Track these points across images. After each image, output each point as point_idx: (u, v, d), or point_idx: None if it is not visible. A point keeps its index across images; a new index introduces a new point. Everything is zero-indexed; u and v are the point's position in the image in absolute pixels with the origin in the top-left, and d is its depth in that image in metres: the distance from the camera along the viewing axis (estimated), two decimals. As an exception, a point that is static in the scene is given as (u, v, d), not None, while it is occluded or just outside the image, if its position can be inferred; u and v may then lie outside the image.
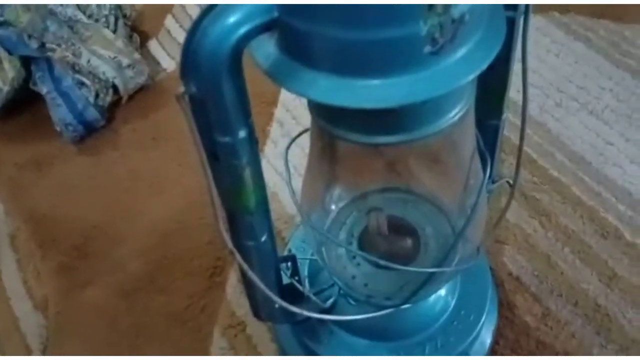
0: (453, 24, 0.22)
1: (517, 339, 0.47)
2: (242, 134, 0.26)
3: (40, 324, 0.53)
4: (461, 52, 0.23)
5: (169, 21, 0.82)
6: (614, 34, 0.70)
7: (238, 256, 0.32)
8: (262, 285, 0.34)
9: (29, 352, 0.52)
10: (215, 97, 0.24)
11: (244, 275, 0.36)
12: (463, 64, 0.24)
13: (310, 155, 0.36)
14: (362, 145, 0.28)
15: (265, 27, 0.23)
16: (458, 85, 0.24)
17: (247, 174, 0.28)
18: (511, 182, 0.38)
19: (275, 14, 0.22)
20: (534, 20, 0.74)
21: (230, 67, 0.23)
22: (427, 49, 0.22)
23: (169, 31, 0.80)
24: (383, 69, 0.22)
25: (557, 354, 0.46)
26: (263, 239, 0.33)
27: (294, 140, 0.37)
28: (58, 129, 0.66)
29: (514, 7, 0.29)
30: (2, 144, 0.68)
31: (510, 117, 0.41)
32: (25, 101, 0.70)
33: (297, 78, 0.24)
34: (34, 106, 0.69)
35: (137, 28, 0.79)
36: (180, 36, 0.79)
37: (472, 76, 0.24)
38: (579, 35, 0.71)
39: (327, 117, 0.28)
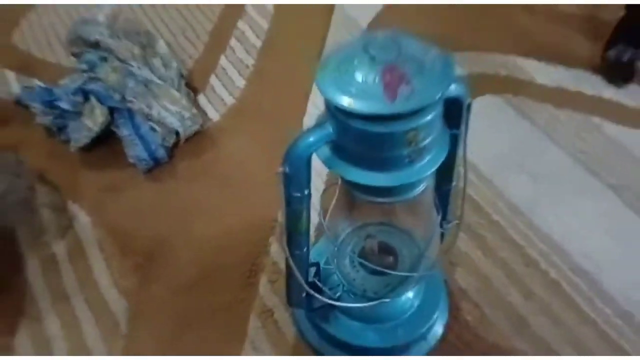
0: (421, 149, 0.45)
1: (460, 331, 0.69)
2: (306, 191, 0.49)
3: (124, 306, 0.74)
4: (425, 159, 0.46)
5: (213, 80, 1.04)
6: (552, 117, 0.94)
7: (290, 260, 0.54)
8: (300, 279, 0.56)
9: (117, 326, 0.72)
10: (298, 174, 0.47)
11: (289, 273, 0.58)
12: (426, 165, 0.46)
13: (336, 200, 0.58)
14: (369, 201, 0.50)
15: (327, 142, 0.46)
16: (424, 176, 0.46)
17: (304, 213, 0.51)
18: (458, 222, 0.61)
19: (334, 138, 0.45)
20: (492, 99, 0.97)
21: (307, 160, 0.46)
22: (406, 160, 0.45)
23: (213, 88, 1.03)
24: (384, 168, 0.45)
25: (488, 345, 0.68)
26: (305, 250, 0.55)
27: (326, 189, 0.60)
28: (131, 161, 0.88)
29: (457, 127, 0.52)
30: (88, 171, 0.89)
31: (469, 175, 0.63)
32: (105, 139, 0.91)
33: (339, 166, 0.46)
34: (112, 143, 0.91)
35: (189, 84, 1.01)
36: (223, 92, 1.02)
37: (431, 172, 0.46)
38: (525, 115, 0.95)
39: (352, 185, 0.50)
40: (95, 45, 0.91)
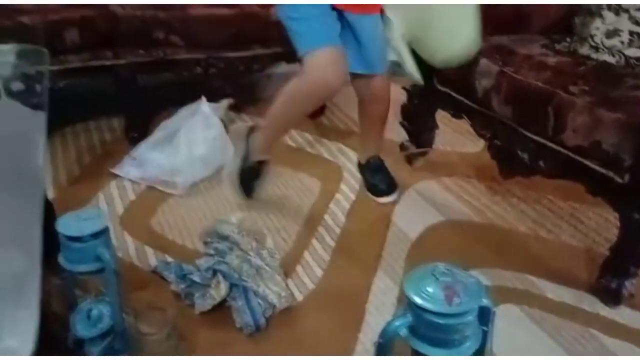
0: (464, 336, 0.75)
1: None
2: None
3: None
4: (467, 344, 0.76)
5: (299, 269, 1.38)
6: (558, 326, 1.22)
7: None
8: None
9: None
10: (387, 344, 0.77)
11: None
12: (467, 348, 0.76)
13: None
14: (429, 367, 0.79)
15: (407, 326, 0.77)
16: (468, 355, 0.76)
17: (387, 371, 0.79)
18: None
19: (412, 324, 0.76)
20: (512, 307, 1.27)
21: (393, 336, 0.77)
22: (456, 342, 0.75)
23: (299, 275, 1.36)
24: (442, 346, 0.75)
25: None
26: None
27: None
28: (239, 326, 1.18)
29: (486, 325, 0.82)
30: (207, 330, 1.19)
31: None
32: (218, 306, 1.23)
33: (414, 342, 0.76)
34: (223, 309, 1.22)
35: (284, 271, 1.35)
36: (305, 279, 1.35)
37: (470, 353, 0.76)
38: (537, 322, 1.23)
39: (420, 353, 0.79)
40: (226, 238, 1.28)
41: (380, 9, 1.41)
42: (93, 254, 1.01)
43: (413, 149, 1.84)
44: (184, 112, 1.80)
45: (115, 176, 1.73)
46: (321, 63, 1.38)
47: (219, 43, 1.82)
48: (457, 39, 1.29)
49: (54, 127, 1.88)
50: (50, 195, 1.53)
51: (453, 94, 1.60)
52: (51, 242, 0.99)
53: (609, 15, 1.51)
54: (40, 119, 1.06)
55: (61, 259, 1.03)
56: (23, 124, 1.08)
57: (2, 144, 1.00)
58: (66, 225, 1.01)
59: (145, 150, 1.74)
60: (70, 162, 1.81)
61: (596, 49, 1.51)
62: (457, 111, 1.63)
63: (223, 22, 1.76)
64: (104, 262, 1.01)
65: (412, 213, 1.61)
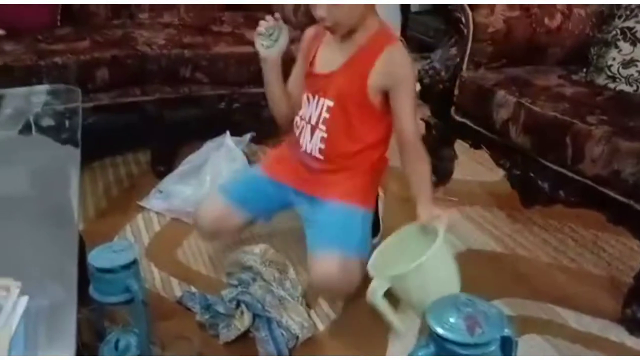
0: (486, 366, 0.76)
1: None
2: (414, 386, 0.79)
3: None
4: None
5: (321, 300, 1.40)
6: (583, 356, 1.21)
7: None
8: None
9: None
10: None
11: None
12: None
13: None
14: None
15: (430, 354, 0.78)
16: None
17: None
18: None
19: (434, 353, 0.77)
20: (536, 337, 1.26)
21: None
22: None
23: (320, 305, 1.38)
24: None
25: None
26: None
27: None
28: (261, 356, 1.19)
29: (509, 355, 0.82)
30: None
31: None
32: (243, 335, 1.24)
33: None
34: (246, 338, 1.24)
35: (306, 301, 1.36)
36: (328, 309, 1.36)
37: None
38: (561, 353, 1.22)
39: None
40: (249, 268, 1.31)
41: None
42: (123, 285, 1.04)
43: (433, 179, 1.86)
44: (209, 145, 1.85)
45: (142, 208, 1.78)
46: (204, 202, 1.44)
47: (242, 79, 1.88)
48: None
49: (83, 162, 1.94)
50: (79, 227, 1.58)
51: (471, 124, 1.62)
52: (81, 274, 1.03)
53: (625, 46, 1.53)
54: (73, 154, 1.11)
55: (91, 291, 1.06)
56: (56, 159, 1.13)
57: (38, 178, 1.06)
58: (98, 257, 1.05)
59: (171, 183, 1.79)
60: (98, 195, 1.87)
61: (613, 78, 1.53)
62: (476, 141, 1.65)
63: (246, 60, 1.82)
64: (132, 293, 1.04)
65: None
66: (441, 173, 1.85)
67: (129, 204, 1.81)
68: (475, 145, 1.67)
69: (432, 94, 1.71)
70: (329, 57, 1.26)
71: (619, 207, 1.25)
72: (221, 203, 1.40)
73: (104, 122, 1.82)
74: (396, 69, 1.18)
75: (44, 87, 1.44)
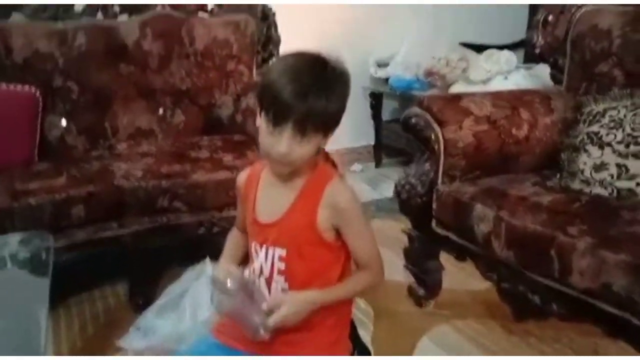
0: None
1: None
2: None
3: None
4: None
5: None
6: None
7: None
8: None
9: None
10: None
11: None
12: None
13: None
14: None
15: None
16: None
17: None
18: None
19: None
20: None
21: None
22: None
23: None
24: None
25: None
26: None
27: None
28: None
29: None
30: None
31: None
32: None
33: None
34: None
35: None
36: None
37: None
38: None
39: None
40: None
41: None
42: None
43: (422, 292, 1.81)
44: (188, 274, 1.79)
45: (119, 348, 1.68)
46: None
47: (220, 203, 1.86)
48: None
49: (58, 299, 1.87)
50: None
51: (454, 237, 1.61)
52: None
53: (593, 150, 1.57)
54: (42, 296, 1.07)
55: None
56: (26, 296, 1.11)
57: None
58: None
59: (150, 318, 1.70)
60: (73, 334, 1.77)
61: (587, 182, 1.55)
62: (460, 254, 1.63)
63: (224, 185, 1.81)
64: None
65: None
66: (430, 286, 1.80)
67: (105, 343, 1.71)
68: (460, 258, 1.64)
69: (411, 207, 1.70)
70: (270, 203, 1.20)
71: (614, 320, 1.20)
72: None
73: (80, 257, 1.77)
74: (340, 205, 1.14)
75: (14, 237, 1.41)
